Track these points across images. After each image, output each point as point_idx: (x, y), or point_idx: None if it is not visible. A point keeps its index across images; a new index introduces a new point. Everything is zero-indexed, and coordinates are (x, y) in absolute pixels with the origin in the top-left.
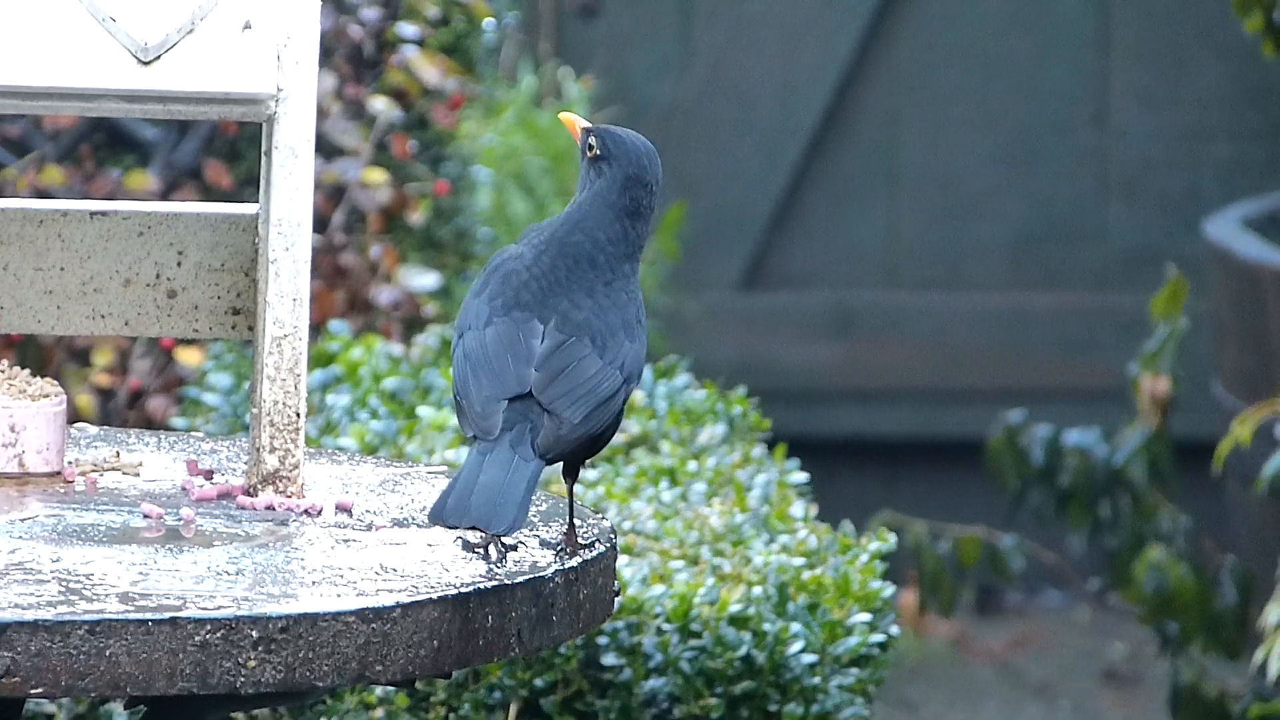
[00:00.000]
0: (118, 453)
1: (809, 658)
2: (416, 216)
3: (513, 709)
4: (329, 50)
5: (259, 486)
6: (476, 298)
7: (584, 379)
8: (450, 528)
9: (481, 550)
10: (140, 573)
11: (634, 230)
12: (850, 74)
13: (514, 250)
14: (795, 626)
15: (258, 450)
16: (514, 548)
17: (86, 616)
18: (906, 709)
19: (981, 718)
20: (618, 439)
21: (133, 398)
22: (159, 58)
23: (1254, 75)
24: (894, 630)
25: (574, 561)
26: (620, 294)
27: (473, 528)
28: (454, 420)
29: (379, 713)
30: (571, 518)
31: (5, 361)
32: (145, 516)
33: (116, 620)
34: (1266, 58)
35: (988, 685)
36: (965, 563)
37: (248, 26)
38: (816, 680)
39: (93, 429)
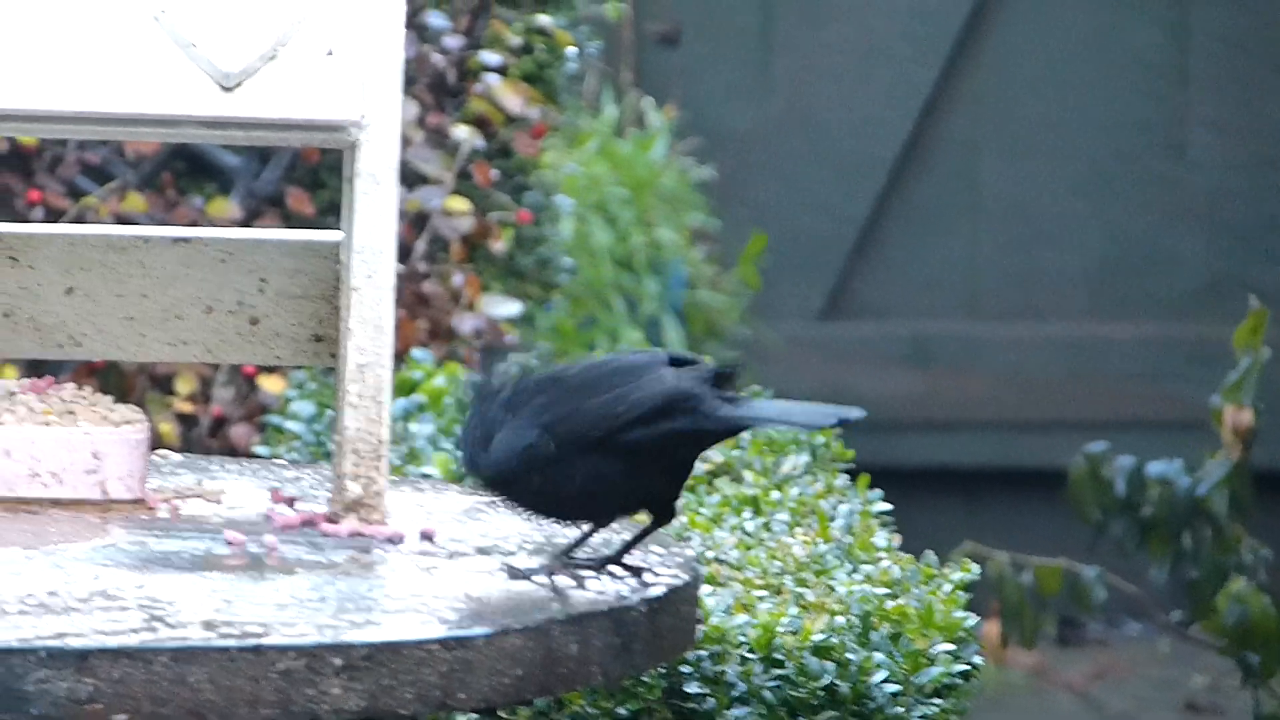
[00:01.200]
0: (200, 480)
1: (892, 687)
2: (499, 245)
3: None
4: (412, 78)
5: (342, 514)
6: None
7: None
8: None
9: (547, 579)
10: (223, 600)
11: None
12: (929, 103)
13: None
14: (879, 656)
15: (341, 478)
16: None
17: (169, 644)
18: None
19: None
20: (701, 468)
21: (215, 425)
22: (241, 84)
23: None
24: (977, 661)
25: (657, 591)
26: None
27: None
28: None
29: None
30: (633, 541)
31: (88, 388)
32: (228, 544)
33: (199, 648)
34: None
35: (1068, 716)
36: (1046, 593)
37: (330, 53)
38: (900, 710)
39: (175, 456)
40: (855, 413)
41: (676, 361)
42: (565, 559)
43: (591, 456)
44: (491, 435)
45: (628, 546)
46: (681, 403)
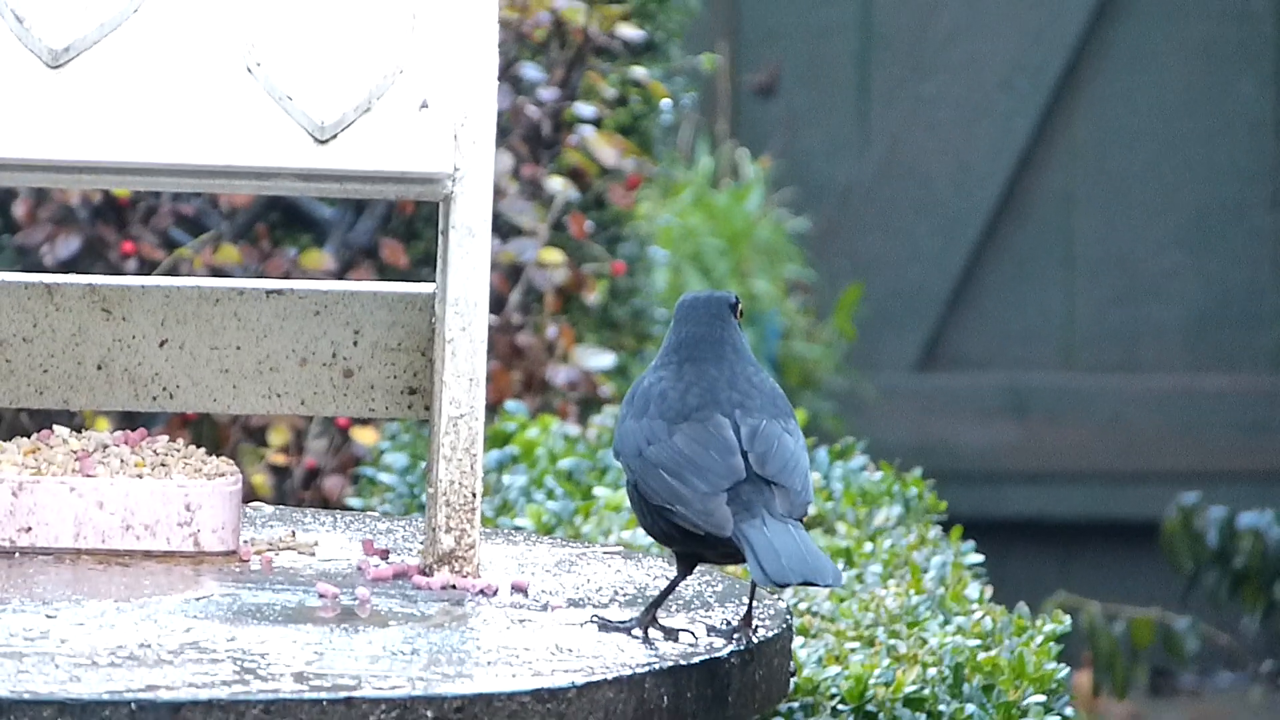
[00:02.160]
0: (293, 532)
1: None
2: (593, 296)
3: None
4: (506, 130)
5: (435, 566)
6: (638, 420)
7: (790, 453)
8: (782, 586)
9: (641, 634)
10: (315, 652)
11: (731, 330)
12: (1027, 155)
13: (649, 378)
14: (970, 708)
15: (434, 530)
16: (677, 633)
17: (261, 696)
18: None
19: None
20: None
21: (308, 477)
22: (336, 136)
23: None
24: (1069, 712)
25: (748, 643)
26: (756, 375)
27: (805, 583)
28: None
29: None
30: (751, 600)
31: (181, 440)
32: (320, 596)
33: (291, 700)
34: None
35: None
36: (1139, 644)
37: (425, 106)
38: None
39: (268, 508)
40: (828, 580)
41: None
42: (653, 614)
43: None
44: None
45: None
46: (716, 534)
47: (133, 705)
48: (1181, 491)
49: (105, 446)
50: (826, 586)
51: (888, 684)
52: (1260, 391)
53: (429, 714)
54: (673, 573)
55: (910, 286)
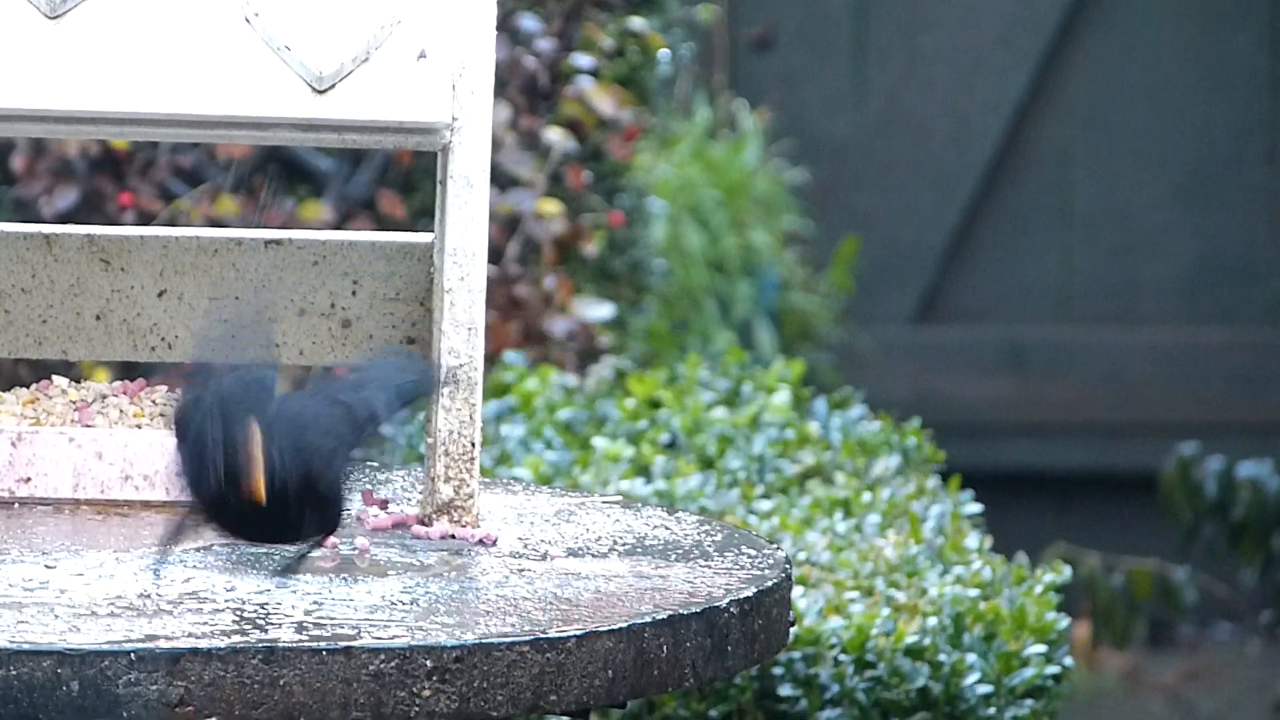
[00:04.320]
0: None
1: (984, 689)
2: (591, 248)
3: None
4: (504, 81)
5: (434, 516)
6: None
7: None
8: None
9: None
10: (314, 602)
11: None
12: (1023, 110)
13: None
14: (971, 658)
15: (433, 480)
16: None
17: (260, 645)
18: None
19: None
20: (792, 470)
21: None
22: (334, 87)
23: None
24: (1068, 662)
25: (749, 592)
26: None
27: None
28: (628, 451)
29: None
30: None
31: (180, 391)
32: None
33: (290, 649)
34: None
35: (1159, 718)
36: (1138, 595)
37: (423, 56)
38: (992, 711)
39: None
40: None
41: None
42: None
43: None
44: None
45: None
46: None
47: (132, 655)
48: (1179, 443)
49: (104, 397)
50: None
51: (888, 634)
52: (1257, 344)
53: (428, 663)
54: (673, 523)
55: (907, 240)
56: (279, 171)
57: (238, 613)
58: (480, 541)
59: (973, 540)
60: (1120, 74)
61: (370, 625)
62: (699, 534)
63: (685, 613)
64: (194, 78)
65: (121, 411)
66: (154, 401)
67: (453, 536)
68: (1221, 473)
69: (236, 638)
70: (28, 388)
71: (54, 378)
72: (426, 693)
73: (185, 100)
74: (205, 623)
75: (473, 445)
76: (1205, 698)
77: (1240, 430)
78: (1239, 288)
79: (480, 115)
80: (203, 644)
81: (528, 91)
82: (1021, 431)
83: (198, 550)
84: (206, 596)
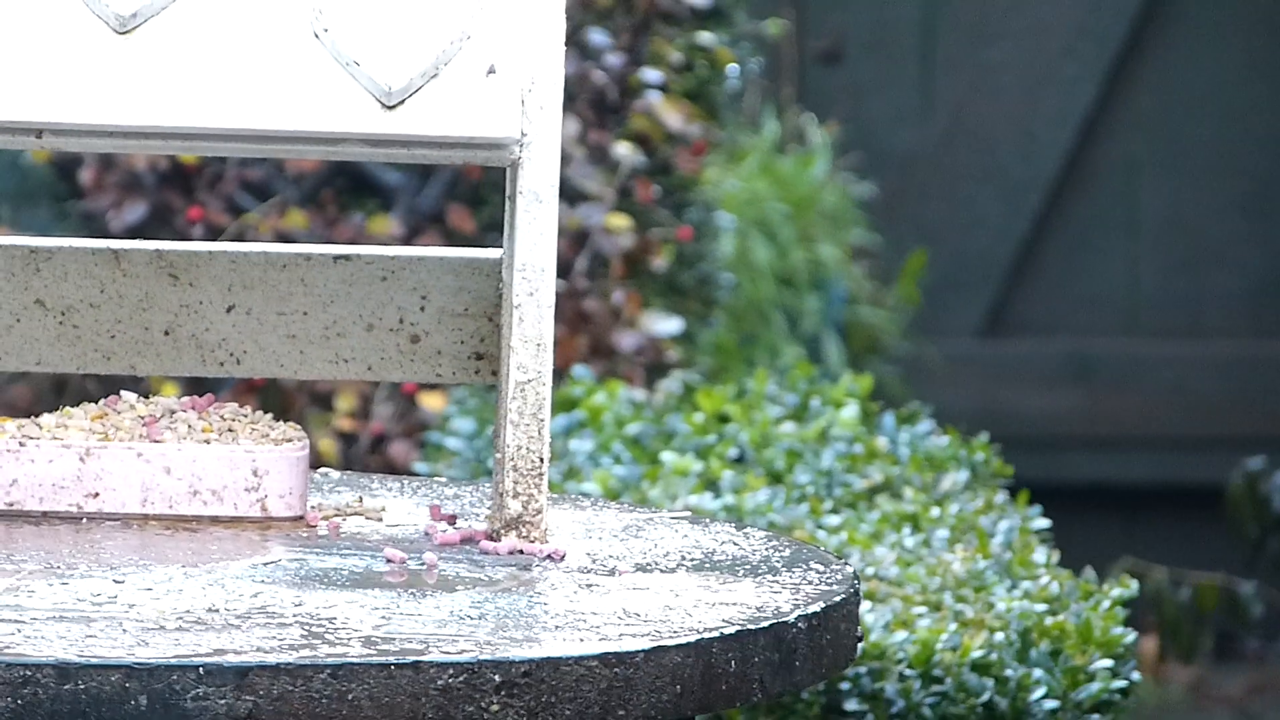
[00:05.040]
0: (360, 498)
1: (1051, 704)
2: (659, 262)
3: None
4: (572, 96)
5: (502, 531)
6: None
7: None
8: None
9: None
10: (383, 617)
11: None
12: (1091, 122)
13: None
14: (1038, 673)
15: (501, 495)
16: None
17: (329, 660)
18: None
19: None
20: (860, 484)
21: (375, 443)
22: (403, 102)
23: None
24: (1135, 676)
25: (817, 607)
26: None
27: None
28: (696, 465)
29: None
30: None
31: (248, 406)
32: (388, 561)
33: (359, 664)
34: None
35: None
36: (1204, 609)
37: (492, 71)
38: None
39: (335, 474)
40: None
41: None
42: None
43: None
44: None
45: None
46: None
47: (200, 669)
48: (1246, 457)
49: (172, 412)
50: None
51: (955, 649)
52: None
53: (496, 678)
54: (741, 539)
55: (974, 253)
56: (348, 185)
57: (306, 627)
58: (548, 557)
59: (1040, 555)
60: (1187, 86)
61: (438, 640)
62: (767, 549)
63: (753, 628)
64: (263, 93)
65: (190, 426)
66: (222, 417)
67: (521, 552)
68: None
69: (305, 652)
70: (96, 403)
71: (122, 393)
72: (495, 707)
73: (254, 115)
74: (273, 637)
75: (541, 460)
76: (1271, 710)
77: None
78: None
79: (549, 130)
80: (270, 658)
81: (596, 106)
82: (1088, 445)
83: (266, 565)
84: (274, 611)
